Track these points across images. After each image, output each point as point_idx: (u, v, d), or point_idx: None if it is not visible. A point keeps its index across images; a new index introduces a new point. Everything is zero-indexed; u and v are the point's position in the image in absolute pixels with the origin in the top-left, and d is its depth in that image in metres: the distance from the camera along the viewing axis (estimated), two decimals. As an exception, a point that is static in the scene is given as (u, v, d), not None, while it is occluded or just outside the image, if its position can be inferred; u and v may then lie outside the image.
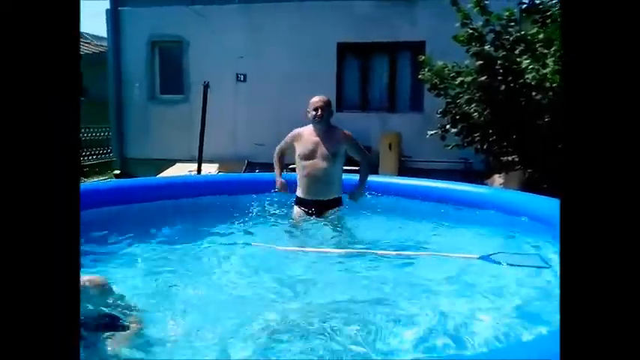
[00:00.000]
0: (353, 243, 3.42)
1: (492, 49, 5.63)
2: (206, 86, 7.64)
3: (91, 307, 1.87)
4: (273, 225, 3.81)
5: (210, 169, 8.23)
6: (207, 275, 2.83)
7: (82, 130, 11.40)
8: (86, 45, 14.39)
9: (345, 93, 9.26)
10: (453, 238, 3.72)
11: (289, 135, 3.94)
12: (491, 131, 5.75)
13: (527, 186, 5.50)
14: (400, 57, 9.09)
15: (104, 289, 2.03)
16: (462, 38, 5.69)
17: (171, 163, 8.87)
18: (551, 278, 2.65)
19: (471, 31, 5.64)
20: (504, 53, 5.50)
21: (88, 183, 7.79)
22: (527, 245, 3.46)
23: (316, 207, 3.63)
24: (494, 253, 2.98)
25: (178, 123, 9.44)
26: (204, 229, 3.78)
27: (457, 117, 6.00)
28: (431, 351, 1.99)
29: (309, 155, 3.66)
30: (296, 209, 3.74)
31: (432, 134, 6.24)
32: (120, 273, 2.83)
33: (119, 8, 9.70)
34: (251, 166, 9.03)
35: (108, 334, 1.87)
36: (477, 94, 5.72)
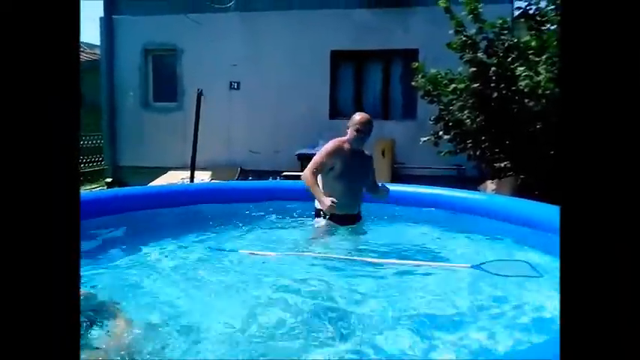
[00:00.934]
0: (353, 250, 3.39)
1: (485, 56, 5.68)
2: (200, 94, 7.65)
3: None
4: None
5: (203, 177, 8.23)
6: (215, 283, 2.79)
7: (75, 138, 11.31)
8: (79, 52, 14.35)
9: (339, 100, 9.31)
10: (448, 245, 3.72)
11: (329, 150, 3.63)
12: (483, 138, 5.79)
13: (520, 192, 5.54)
14: (393, 64, 9.16)
15: (86, 297, 2.00)
16: (455, 45, 5.74)
17: (164, 170, 8.85)
18: (542, 287, 2.66)
19: (464, 39, 5.69)
20: (497, 61, 5.55)
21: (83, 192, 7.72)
22: (518, 253, 3.47)
23: (350, 221, 3.66)
24: (485, 262, 2.97)
25: (172, 131, 9.43)
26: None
27: (450, 124, 6.04)
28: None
29: (351, 172, 3.58)
30: (324, 223, 3.66)
31: (425, 141, 6.28)
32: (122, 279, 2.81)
33: (113, 16, 9.71)
34: (244, 174, 9.04)
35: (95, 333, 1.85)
36: (470, 101, 5.77)
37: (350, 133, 3.62)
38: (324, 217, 3.65)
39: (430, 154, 6.76)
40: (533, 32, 5.57)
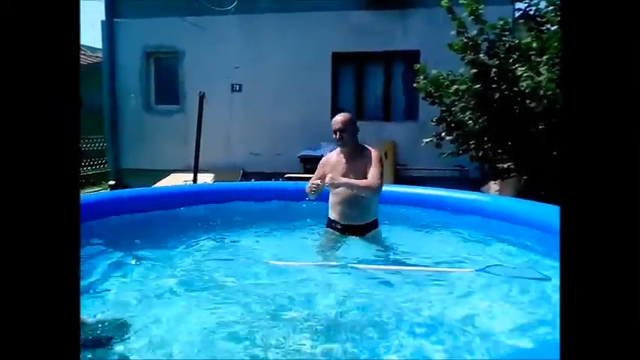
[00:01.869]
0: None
1: (487, 57, 5.67)
2: (202, 97, 7.66)
3: None
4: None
5: (205, 179, 8.23)
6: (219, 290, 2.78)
7: (77, 141, 11.34)
8: (81, 55, 14.43)
9: (340, 102, 9.30)
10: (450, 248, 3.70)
11: (319, 166, 3.64)
12: (486, 139, 5.78)
13: (523, 193, 5.52)
14: (395, 66, 9.16)
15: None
16: (457, 47, 5.74)
17: (166, 173, 8.85)
18: (549, 290, 2.64)
19: (465, 40, 5.69)
20: (498, 61, 5.55)
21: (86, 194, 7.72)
22: (526, 254, 3.45)
23: (350, 232, 3.47)
24: (490, 266, 2.94)
25: (174, 133, 9.44)
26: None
27: (452, 125, 6.02)
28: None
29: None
30: (328, 231, 3.59)
31: (427, 142, 6.27)
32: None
33: (114, 20, 9.74)
34: (246, 176, 9.04)
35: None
36: (472, 102, 5.76)
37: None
38: (330, 227, 3.56)
39: (432, 156, 6.74)
40: (534, 33, 5.56)
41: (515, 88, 5.38)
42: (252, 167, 9.19)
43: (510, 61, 5.53)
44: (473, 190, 5.52)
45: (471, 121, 5.79)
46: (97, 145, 12.05)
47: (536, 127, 5.31)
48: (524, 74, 5.20)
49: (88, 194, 5.97)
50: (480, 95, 5.61)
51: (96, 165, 12.10)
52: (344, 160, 3.48)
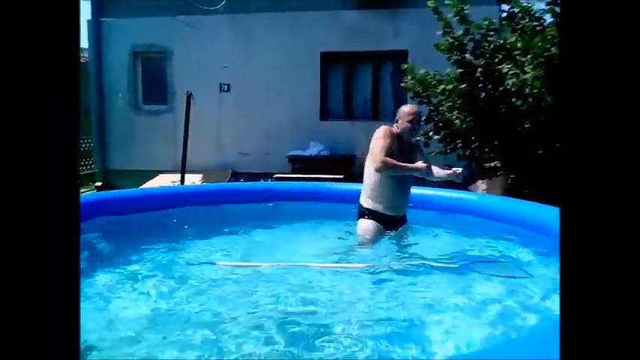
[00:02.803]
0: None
1: (473, 57, 5.73)
2: (189, 96, 7.63)
3: None
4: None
5: (194, 180, 8.19)
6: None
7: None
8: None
9: (330, 102, 9.33)
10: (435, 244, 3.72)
11: (384, 133, 3.39)
12: (473, 138, 5.83)
13: (510, 191, 5.58)
14: (383, 66, 9.20)
15: None
16: (443, 47, 5.79)
17: (154, 174, 8.80)
18: (530, 288, 2.67)
19: (452, 40, 5.74)
20: (484, 61, 5.60)
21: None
22: (510, 252, 3.49)
23: (399, 223, 3.50)
24: (474, 262, 2.97)
25: (162, 133, 9.39)
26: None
27: (440, 124, 6.07)
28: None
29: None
30: (372, 225, 3.43)
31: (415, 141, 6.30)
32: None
33: (101, 19, 9.65)
34: (235, 176, 9.02)
35: None
36: (459, 102, 5.81)
37: (401, 125, 3.45)
38: (369, 218, 3.43)
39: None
40: (517, 33, 5.63)
41: (501, 87, 5.44)
42: (242, 167, 9.17)
43: (496, 60, 5.59)
44: (460, 189, 5.57)
45: (458, 121, 5.84)
46: (83, 145, 11.93)
47: (522, 125, 5.38)
48: (510, 72, 5.26)
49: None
50: (466, 95, 5.67)
51: (82, 166, 11.98)
52: (411, 152, 3.52)
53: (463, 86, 5.62)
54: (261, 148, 9.19)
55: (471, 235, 3.95)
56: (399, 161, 3.28)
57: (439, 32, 5.84)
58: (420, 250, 3.39)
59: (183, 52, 9.40)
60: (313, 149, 8.69)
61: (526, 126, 5.33)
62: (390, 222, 3.45)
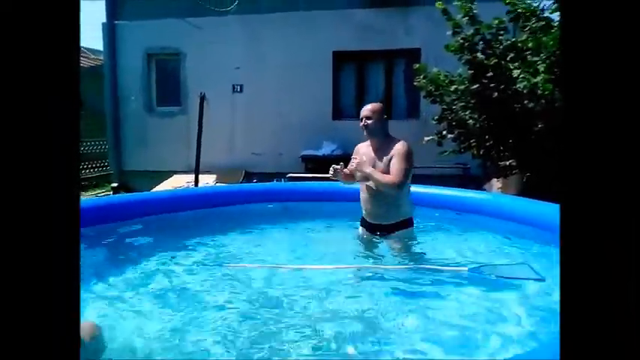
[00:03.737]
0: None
1: (484, 57, 5.66)
2: (202, 97, 7.68)
3: None
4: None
5: (207, 180, 8.24)
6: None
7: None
8: (83, 58, 14.46)
9: (342, 101, 9.30)
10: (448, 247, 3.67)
11: (353, 153, 3.49)
12: (487, 137, 5.76)
13: (526, 190, 5.51)
14: (396, 64, 9.15)
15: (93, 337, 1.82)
16: (453, 48, 5.73)
17: (169, 174, 8.87)
18: (543, 290, 2.62)
19: (462, 41, 5.68)
20: (495, 61, 5.53)
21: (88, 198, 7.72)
22: (524, 253, 3.43)
23: (380, 231, 3.34)
24: (484, 265, 2.91)
25: (176, 134, 9.46)
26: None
27: (453, 123, 6.01)
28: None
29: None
30: (360, 230, 3.49)
31: (428, 140, 6.25)
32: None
33: (115, 22, 9.76)
34: (248, 177, 9.05)
35: None
36: (471, 102, 5.75)
37: None
38: (361, 225, 3.47)
39: (434, 154, 6.73)
40: (527, 31, 5.54)
41: (513, 87, 5.36)
42: (255, 168, 9.20)
43: (508, 59, 5.51)
44: (475, 189, 5.52)
45: (471, 120, 5.78)
46: (99, 147, 12.08)
47: (536, 125, 5.30)
48: (521, 75, 5.18)
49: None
50: (478, 95, 5.60)
51: (98, 167, 12.13)
52: (371, 150, 3.35)
53: (475, 87, 5.56)
54: (274, 148, 9.21)
55: (481, 236, 3.91)
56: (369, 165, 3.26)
57: (449, 32, 5.79)
58: (429, 253, 3.35)
59: (196, 53, 9.46)
60: (326, 149, 8.68)
61: (540, 126, 5.25)
62: (374, 229, 3.35)
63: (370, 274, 2.97)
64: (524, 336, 2.15)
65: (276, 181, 7.55)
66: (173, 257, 3.39)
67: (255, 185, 6.54)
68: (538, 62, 5.20)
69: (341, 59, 9.15)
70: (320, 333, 2.17)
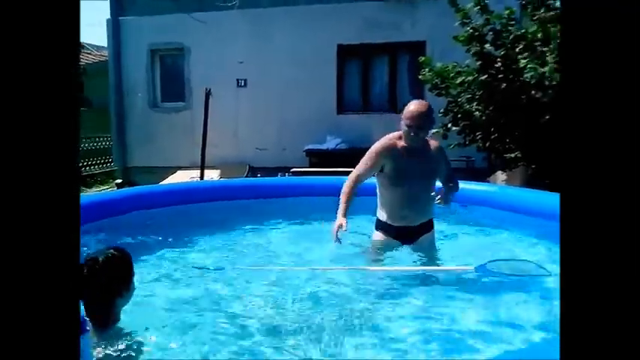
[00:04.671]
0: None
1: (492, 48, 5.62)
2: (208, 93, 7.67)
3: None
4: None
5: (212, 175, 8.25)
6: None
7: (83, 140, 11.44)
8: (87, 55, 14.49)
9: (347, 95, 9.27)
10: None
11: (377, 150, 3.07)
12: (493, 129, 5.73)
13: (531, 182, 5.48)
14: (400, 57, 9.10)
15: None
16: (462, 38, 5.69)
17: (173, 170, 8.89)
18: (551, 286, 2.60)
19: (471, 31, 5.63)
20: (504, 52, 5.49)
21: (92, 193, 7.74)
22: (531, 247, 3.40)
23: (417, 233, 3.13)
24: (490, 261, 2.86)
25: (180, 130, 9.47)
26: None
27: (459, 116, 5.98)
28: None
29: (407, 174, 3.00)
30: (380, 237, 3.18)
31: (433, 133, 6.22)
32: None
33: (119, 18, 9.75)
34: (253, 171, 9.06)
35: None
36: (478, 93, 5.72)
37: (402, 127, 3.03)
38: (382, 230, 3.16)
39: (439, 147, 6.71)
40: (536, 20, 5.49)
41: (522, 78, 5.32)
42: (259, 162, 9.20)
43: (517, 50, 5.47)
44: (480, 181, 5.49)
45: (477, 112, 5.75)
46: (103, 143, 12.12)
47: (543, 116, 5.27)
48: (529, 65, 5.15)
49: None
50: (486, 86, 5.56)
51: (103, 163, 12.18)
52: (417, 157, 3.03)
53: (484, 77, 5.52)
54: (278, 143, 9.20)
55: (486, 231, 3.89)
56: (401, 177, 3.01)
57: (457, 24, 5.74)
58: (443, 250, 3.33)
59: (200, 48, 9.45)
60: (330, 143, 8.66)
61: (547, 117, 5.21)
62: (402, 233, 3.12)
63: (380, 275, 2.94)
64: (536, 334, 2.15)
65: (280, 175, 7.56)
66: (181, 254, 3.41)
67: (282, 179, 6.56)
68: (547, 52, 5.16)
69: (345, 53, 9.11)
70: (327, 333, 2.17)
